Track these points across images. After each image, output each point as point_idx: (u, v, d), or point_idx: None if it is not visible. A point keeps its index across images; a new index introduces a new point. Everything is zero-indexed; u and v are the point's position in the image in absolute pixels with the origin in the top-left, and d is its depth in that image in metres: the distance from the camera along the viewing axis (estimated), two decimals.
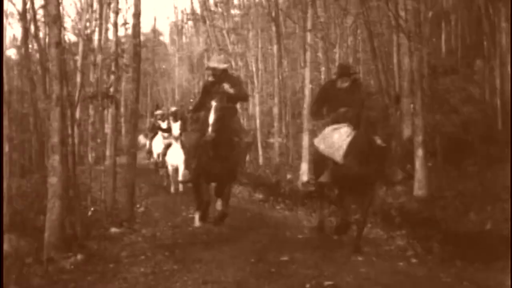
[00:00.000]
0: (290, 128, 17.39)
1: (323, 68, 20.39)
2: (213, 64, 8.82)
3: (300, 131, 15.07)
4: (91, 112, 15.60)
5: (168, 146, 14.63)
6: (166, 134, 15.30)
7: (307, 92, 14.09)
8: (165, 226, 10.35)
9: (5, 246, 8.26)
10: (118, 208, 11.07)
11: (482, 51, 14.07)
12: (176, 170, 13.96)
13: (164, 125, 15.98)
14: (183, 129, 13.81)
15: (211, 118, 7.88)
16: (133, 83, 11.30)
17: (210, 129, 7.79)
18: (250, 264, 7.11)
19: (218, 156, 8.11)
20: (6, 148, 11.14)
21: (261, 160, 17.19)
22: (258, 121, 18.57)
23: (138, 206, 12.16)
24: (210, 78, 8.99)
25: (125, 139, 17.93)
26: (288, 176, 14.25)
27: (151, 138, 17.10)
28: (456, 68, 16.32)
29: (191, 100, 21.31)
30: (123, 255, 8.17)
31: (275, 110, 17.47)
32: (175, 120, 14.47)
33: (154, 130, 16.85)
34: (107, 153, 15.47)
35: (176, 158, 13.67)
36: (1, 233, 8.22)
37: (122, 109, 24.43)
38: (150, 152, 17.24)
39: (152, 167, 17.33)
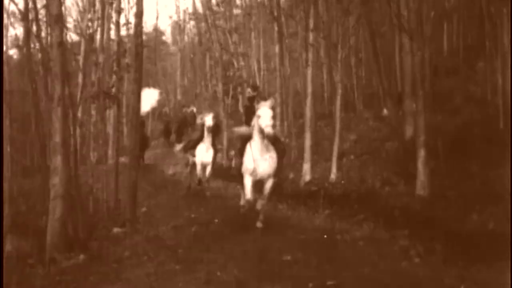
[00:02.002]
0: (292, 128, 17.35)
1: (325, 68, 20.42)
2: None
3: (302, 131, 15.04)
4: (93, 112, 15.61)
5: (244, 142, 9.51)
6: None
7: (309, 91, 14.07)
8: (167, 226, 10.34)
9: (7, 247, 8.28)
10: (121, 208, 11.07)
11: (484, 51, 14.04)
12: (260, 183, 9.41)
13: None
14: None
15: None
16: (135, 83, 11.30)
17: None
18: (252, 264, 7.10)
19: None
20: (8, 148, 11.16)
21: None
22: None
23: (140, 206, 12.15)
24: None
25: (127, 139, 17.98)
26: (290, 176, 14.22)
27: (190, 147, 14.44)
28: (458, 68, 16.29)
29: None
30: (125, 255, 8.17)
31: (277, 110, 17.41)
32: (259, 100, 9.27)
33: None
34: (109, 153, 15.53)
35: (266, 165, 9.16)
36: (1, 234, 8.23)
37: (124, 109, 24.41)
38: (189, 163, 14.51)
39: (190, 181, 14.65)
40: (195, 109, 15.54)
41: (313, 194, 12.07)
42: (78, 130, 11.11)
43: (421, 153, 10.44)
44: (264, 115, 8.71)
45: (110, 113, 17.95)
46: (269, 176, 9.21)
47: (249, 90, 10.71)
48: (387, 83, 16.80)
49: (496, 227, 7.99)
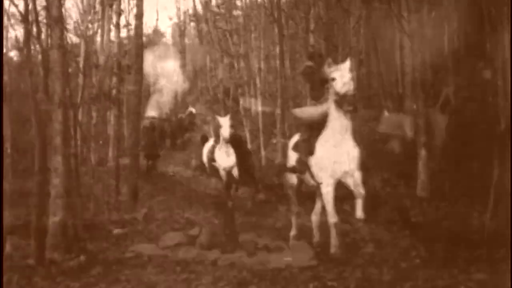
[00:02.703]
0: (293, 129, 17.31)
1: None
2: None
3: None
4: (94, 113, 15.62)
5: (313, 131, 7.33)
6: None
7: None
8: (168, 227, 10.33)
9: (7, 247, 8.27)
10: (121, 209, 11.07)
11: (485, 51, 14.00)
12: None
13: None
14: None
15: None
16: (136, 84, 11.32)
17: None
18: (253, 265, 7.11)
19: None
20: (8, 149, 11.16)
21: (263, 161, 17.10)
22: (260, 122, 18.52)
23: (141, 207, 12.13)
24: None
25: (128, 140, 17.98)
26: None
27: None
28: (458, 68, 16.26)
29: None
30: (126, 256, 8.17)
31: (278, 111, 17.39)
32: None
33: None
34: (110, 154, 15.53)
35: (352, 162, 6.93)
36: (2, 234, 8.22)
37: (124, 110, 24.41)
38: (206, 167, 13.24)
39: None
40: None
41: (313, 195, 12.04)
42: (78, 132, 11.11)
43: (422, 153, 10.43)
44: (342, 76, 6.62)
45: (111, 115, 18.00)
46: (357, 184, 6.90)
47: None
48: (388, 84, 16.76)
49: (496, 227, 7.98)
